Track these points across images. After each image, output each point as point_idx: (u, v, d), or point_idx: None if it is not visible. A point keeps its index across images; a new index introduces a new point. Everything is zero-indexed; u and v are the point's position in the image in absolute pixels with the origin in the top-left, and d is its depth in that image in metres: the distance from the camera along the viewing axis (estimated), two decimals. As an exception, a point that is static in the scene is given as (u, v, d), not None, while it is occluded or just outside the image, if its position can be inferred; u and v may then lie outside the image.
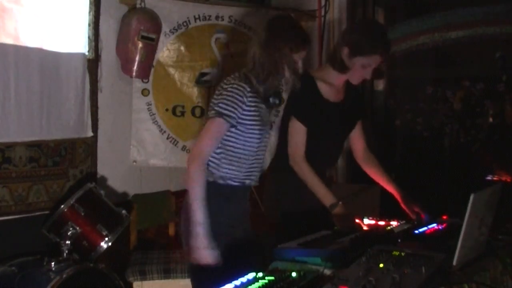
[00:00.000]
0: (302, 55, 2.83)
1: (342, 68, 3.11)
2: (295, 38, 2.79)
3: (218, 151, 2.84)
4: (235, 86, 2.77)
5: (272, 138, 3.21)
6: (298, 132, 3.15)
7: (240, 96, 2.75)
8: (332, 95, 3.21)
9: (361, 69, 3.07)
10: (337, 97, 3.23)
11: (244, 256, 2.86)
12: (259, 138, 2.88)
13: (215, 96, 2.83)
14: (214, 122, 2.76)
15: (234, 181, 2.86)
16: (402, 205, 3.22)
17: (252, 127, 2.83)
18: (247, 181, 2.93)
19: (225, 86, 2.80)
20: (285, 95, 3.02)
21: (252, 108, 2.81)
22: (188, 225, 2.75)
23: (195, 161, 2.76)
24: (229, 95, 2.75)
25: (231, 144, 2.82)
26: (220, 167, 2.84)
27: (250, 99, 2.79)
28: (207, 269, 2.74)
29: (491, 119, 4.28)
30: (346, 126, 3.35)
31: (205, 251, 2.69)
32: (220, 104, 2.75)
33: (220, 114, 2.74)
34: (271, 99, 2.86)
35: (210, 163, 2.85)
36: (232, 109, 2.74)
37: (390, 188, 3.30)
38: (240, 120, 2.78)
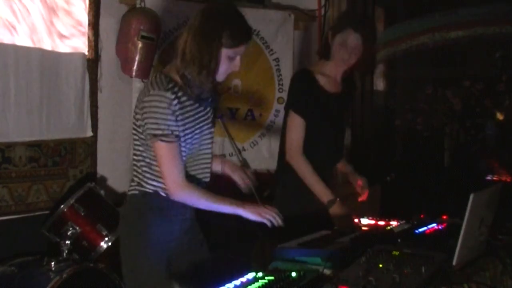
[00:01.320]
0: (241, 50, 2.51)
1: (325, 53, 3.21)
2: (234, 29, 2.47)
3: (140, 164, 2.56)
4: (156, 99, 2.41)
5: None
6: (296, 127, 3.17)
7: (164, 108, 2.40)
8: (331, 86, 3.26)
9: (339, 48, 3.14)
10: (335, 88, 3.29)
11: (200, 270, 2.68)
12: (194, 144, 2.57)
13: (140, 112, 2.47)
14: (158, 147, 2.45)
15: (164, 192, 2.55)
16: (348, 178, 3.40)
17: (184, 137, 2.51)
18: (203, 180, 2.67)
19: (146, 100, 2.43)
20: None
21: (180, 117, 2.47)
22: None
23: (177, 191, 2.50)
24: (152, 112, 2.41)
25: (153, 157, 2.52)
26: (146, 182, 2.56)
27: (177, 106, 2.44)
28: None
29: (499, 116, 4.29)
30: (344, 116, 3.43)
31: (259, 214, 2.54)
32: (149, 125, 2.42)
33: (155, 137, 2.42)
34: (206, 97, 2.56)
35: (134, 178, 2.59)
36: (164, 126, 2.41)
37: (341, 166, 3.47)
38: None
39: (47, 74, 3.79)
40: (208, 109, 2.63)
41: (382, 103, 4.91)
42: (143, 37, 4.10)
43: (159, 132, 2.41)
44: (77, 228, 3.50)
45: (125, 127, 4.37)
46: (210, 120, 2.65)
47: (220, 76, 2.54)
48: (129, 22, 4.12)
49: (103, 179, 4.22)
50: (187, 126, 2.50)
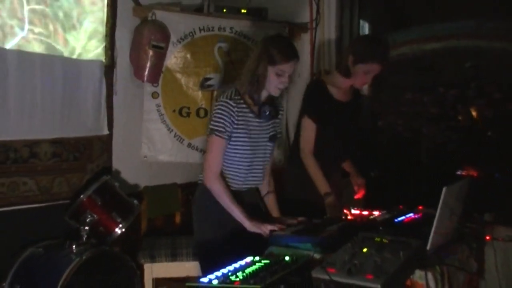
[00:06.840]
0: (286, 68, 2.77)
1: (346, 73, 3.28)
2: (278, 49, 2.75)
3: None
4: (221, 103, 2.79)
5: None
6: (308, 129, 3.32)
7: (225, 111, 2.77)
8: (341, 96, 3.38)
9: (363, 74, 3.25)
10: (345, 97, 3.41)
11: (242, 244, 2.80)
12: (248, 150, 2.87)
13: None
14: (210, 140, 2.81)
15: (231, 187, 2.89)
16: (351, 179, 3.53)
17: (237, 139, 2.83)
18: (244, 187, 2.94)
19: (216, 104, 2.85)
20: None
21: (241, 122, 2.81)
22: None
23: (208, 178, 2.82)
24: (217, 112, 2.79)
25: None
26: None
27: (237, 112, 2.79)
28: (212, 253, 2.81)
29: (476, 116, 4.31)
30: (354, 122, 3.52)
31: (259, 227, 2.73)
32: (211, 122, 2.81)
33: (212, 131, 2.79)
34: (263, 111, 2.85)
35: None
36: (222, 124, 2.77)
37: (347, 166, 3.60)
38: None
39: (69, 79, 3.81)
40: (268, 124, 2.93)
41: (368, 106, 4.94)
42: (153, 46, 4.13)
43: (216, 127, 2.77)
44: (95, 215, 3.54)
45: (137, 126, 4.40)
46: (267, 134, 2.93)
47: (273, 90, 2.81)
48: (141, 32, 4.15)
49: (117, 173, 4.25)
50: (240, 128, 2.81)
